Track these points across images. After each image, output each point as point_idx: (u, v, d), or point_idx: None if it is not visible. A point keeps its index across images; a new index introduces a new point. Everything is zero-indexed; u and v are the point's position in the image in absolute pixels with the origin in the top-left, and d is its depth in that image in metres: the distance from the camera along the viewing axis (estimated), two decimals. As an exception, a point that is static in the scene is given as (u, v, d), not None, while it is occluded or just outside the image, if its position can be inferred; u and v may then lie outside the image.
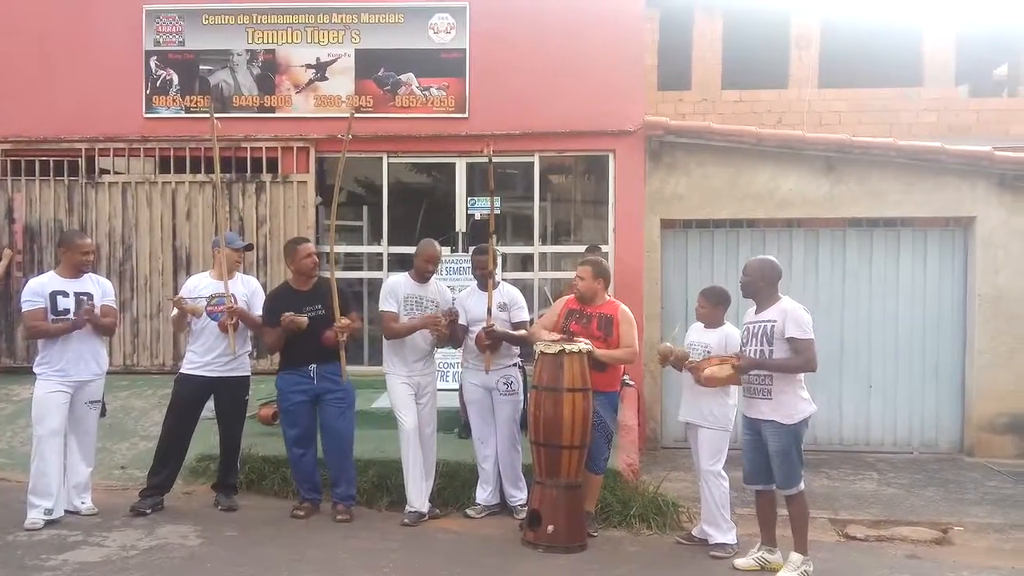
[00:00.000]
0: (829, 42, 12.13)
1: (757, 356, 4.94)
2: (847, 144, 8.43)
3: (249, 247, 6.28)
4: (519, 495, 5.80)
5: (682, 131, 8.62)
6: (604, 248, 8.23)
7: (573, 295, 5.61)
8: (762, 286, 5.03)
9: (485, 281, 5.74)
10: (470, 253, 6.23)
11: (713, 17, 12.45)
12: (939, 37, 12.00)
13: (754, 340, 4.99)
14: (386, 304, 5.72)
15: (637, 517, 5.70)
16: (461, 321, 5.81)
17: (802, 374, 4.94)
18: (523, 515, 5.54)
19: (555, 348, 5.22)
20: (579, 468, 5.26)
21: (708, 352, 5.26)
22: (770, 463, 4.94)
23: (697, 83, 12.33)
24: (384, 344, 5.83)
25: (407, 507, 5.64)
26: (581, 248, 8.55)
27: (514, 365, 5.90)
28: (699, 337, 5.44)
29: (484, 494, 5.86)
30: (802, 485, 4.94)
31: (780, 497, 5.02)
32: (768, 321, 4.94)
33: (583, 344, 5.25)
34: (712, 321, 5.43)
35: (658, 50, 12.15)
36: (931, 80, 11.95)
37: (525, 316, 5.90)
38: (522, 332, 5.76)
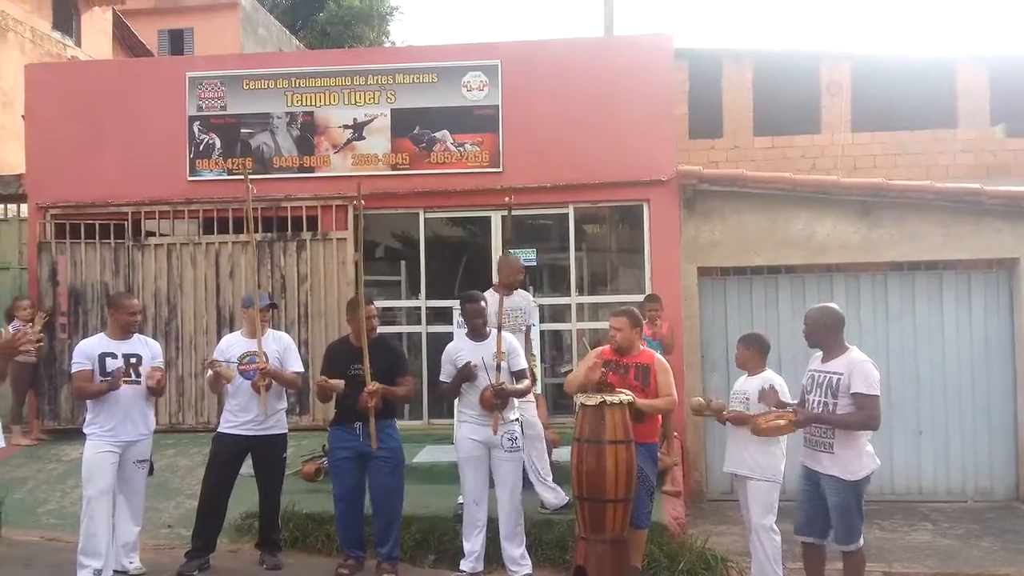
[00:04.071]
0: (861, 86, 12.14)
1: (820, 408, 4.83)
2: (883, 188, 8.40)
3: (273, 306, 6.22)
4: (524, 565, 5.47)
5: (716, 179, 8.65)
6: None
7: (609, 346, 5.57)
8: (822, 335, 4.95)
9: (479, 331, 5.53)
10: (460, 300, 5.76)
11: (742, 65, 12.54)
12: (972, 78, 11.96)
13: (818, 390, 4.90)
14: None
15: (686, 572, 5.60)
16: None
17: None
18: None
19: (596, 400, 5.17)
20: (624, 522, 5.17)
21: (747, 399, 5.21)
22: (825, 515, 4.83)
23: (728, 131, 12.39)
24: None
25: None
26: (618, 298, 8.56)
27: (515, 420, 5.59)
28: (740, 386, 5.40)
29: (471, 561, 5.49)
30: (861, 541, 4.82)
31: (830, 550, 4.91)
32: (834, 373, 4.83)
33: (624, 395, 5.21)
34: (752, 368, 5.38)
35: (688, 99, 12.25)
36: (966, 121, 11.89)
37: (524, 363, 5.62)
38: (526, 382, 5.57)
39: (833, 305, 5.20)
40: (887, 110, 12.31)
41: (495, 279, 8.57)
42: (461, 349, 5.56)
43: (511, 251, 8.59)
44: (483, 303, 5.57)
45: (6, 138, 14.03)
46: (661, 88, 8.69)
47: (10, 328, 8.06)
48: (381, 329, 8.82)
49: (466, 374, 5.39)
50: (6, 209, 10.03)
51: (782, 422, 4.89)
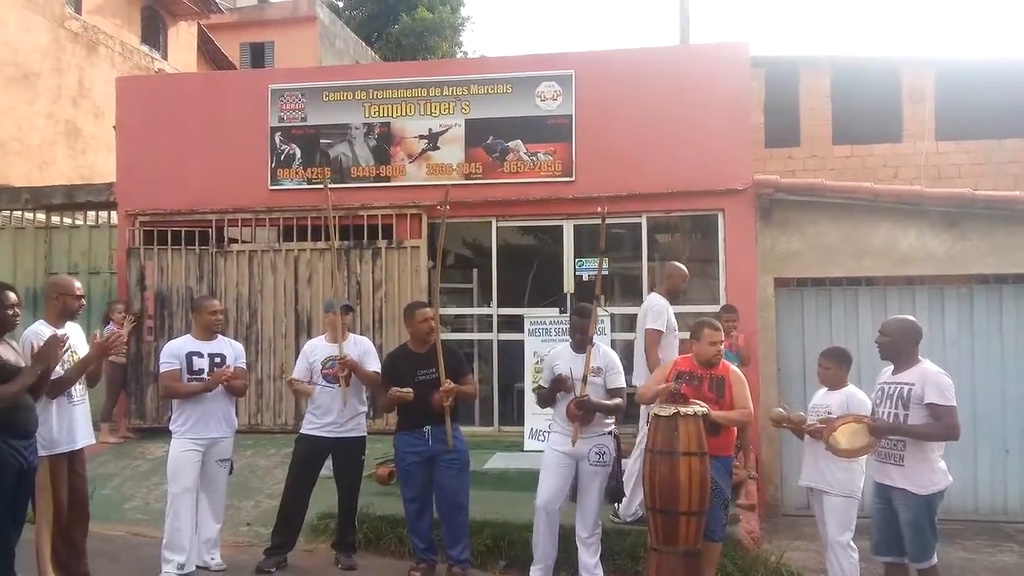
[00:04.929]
0: (944, 94, 11.80)
1: (891, 419, 4.73)
2: (970, 199, 8.14)
3: (349, 308, 6.31)
4: (597, 574, 5.41)
5: (794, 188, 8.50)
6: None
7: (689, 356, 5.51)
8: (903, 347, 4.85)
9: (583, 344, 5.49)
10: (570, 313, 5.88)
11: (820, 73, 12.32)
12: (1064, 84, 11.50)
13: (888, 402, 4.80)
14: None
15: (759, 587, 5.51)
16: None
17: (941, 443, 4.71)
18: None
19: (669, 411, 5.12)
20: (698, 535, 5.10)
21: (829, 414, 5.10)
22: (901, 533, 4.71)
23: (806, 139, 12.18)
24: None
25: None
26: (692, 308, 8.46)
27: (608, 433, 5.49)
28: (821, 400, 5.29)
29: (540, 569, 5.41)
30: (935, 559, 4.68)
31: (912, 570, 4.77)
32: (906, 384, 4.74)
33: (699, 407, 5.15)
34: (834, 383, 5.28)
35: (764, 107, 12.09)
36: (1058, 128, 11.44)
37: (621, 382, 5.52)
38: (617, 401, 5.45)
39: (912, 318, 5.09)
40: (972, 118, 11.90)
41: (568, 290, 8.69)
42: (560, 357, 5.58)
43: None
44: (586, 320, 5.48)
45: (98, 148, 14.69)
46: (737, 96, 8.59)
47: (105, 330, 8.46)
48: (452, 336, 9.05)
49: (559, 386, 5.40)
50: (97, 216, 10.46)
51: (860, 437, 4.78)
